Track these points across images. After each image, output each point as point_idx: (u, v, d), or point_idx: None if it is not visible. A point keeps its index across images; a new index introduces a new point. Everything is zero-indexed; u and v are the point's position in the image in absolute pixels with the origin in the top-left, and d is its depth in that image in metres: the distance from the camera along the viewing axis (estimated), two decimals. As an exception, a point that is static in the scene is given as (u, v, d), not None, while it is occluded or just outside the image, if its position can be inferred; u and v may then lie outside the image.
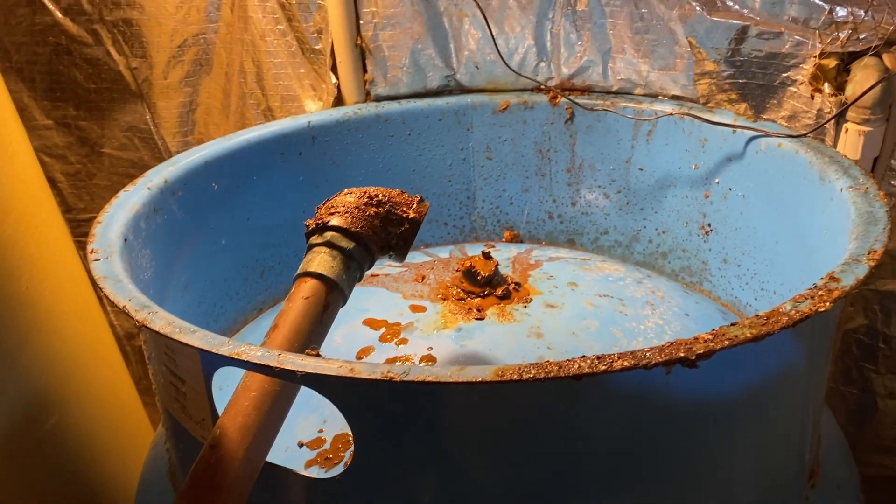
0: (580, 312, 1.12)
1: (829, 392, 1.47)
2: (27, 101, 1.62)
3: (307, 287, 0.84)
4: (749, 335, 0.68)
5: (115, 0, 1.52)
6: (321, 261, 0.85)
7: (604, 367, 0.65)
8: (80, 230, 1.71)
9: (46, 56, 1.58)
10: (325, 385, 0.71)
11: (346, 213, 0.88)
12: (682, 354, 0.66)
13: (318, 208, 0.91)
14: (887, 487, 1.54)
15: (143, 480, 1.13)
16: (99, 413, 1.34)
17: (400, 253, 0.91)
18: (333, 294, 0.85)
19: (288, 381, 0.74)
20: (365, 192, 0.91)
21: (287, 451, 0.94)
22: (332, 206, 0.90)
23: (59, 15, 1.54)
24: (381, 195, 0.90)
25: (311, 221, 0.90)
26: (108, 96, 1.63)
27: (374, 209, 0.89)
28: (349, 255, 0.87)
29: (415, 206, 0.91)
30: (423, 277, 1.24)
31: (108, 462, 1.36)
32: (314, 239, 0.88)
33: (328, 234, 0.88)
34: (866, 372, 1.45)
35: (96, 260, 0.92)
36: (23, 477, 1.20)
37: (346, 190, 0.92)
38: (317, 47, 1.48)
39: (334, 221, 0.88)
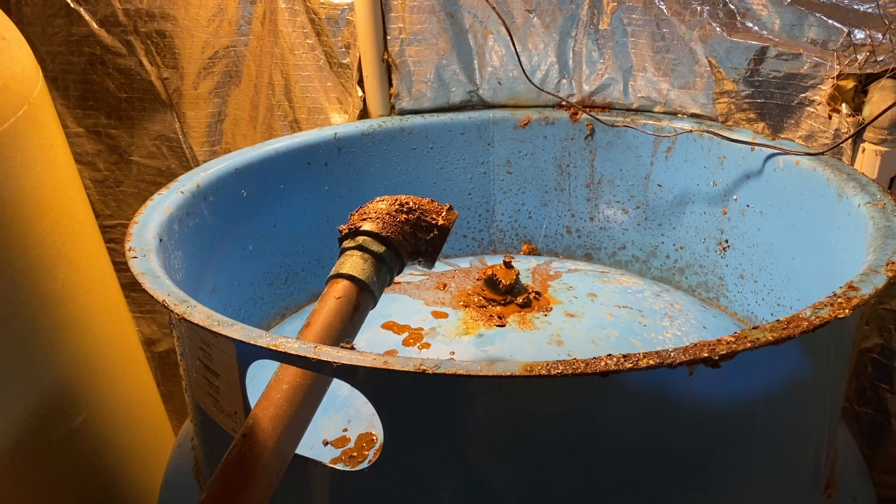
0: (600, 322, 1.14)
1: (844, 411, 1.48)
2: (60, 109, 1.67)
3: (339, 288, 0.87)
4: (770, 338, 0.70)
5: (149, 12, 1.57)
6: (353, 263, 0.88)
7: (630, 365, 0.67)
8: (106, 236, 1.75)
9: (81, 66, 1.63)
10: (358, 377, 0.73)
11: (378, 218, 0.91)
12: (705, 354, 0.68)
13: (351, 214, 0.95)
14: (902, 509, 1.54)
15: (167, 478, 1.15)
16: (125, 413, 1.36)
17: (429, 259, 0.94)
18: (364, 295, 0.87)
19: (321, 374, 0.76)
20: (396, 200, 0.94)
21: (312, 449, 0.96)
22: (365, 213, 0.93)
23: (94, 26, 1.59)
24: (411, 203, 0.93)
25: (344, 227, 0.93)
26: (139, 105, 1.67)
27: (404, 216, 0.92)
28: (380, 258, 0.90)
29: (444, 213, 0.94)
30: (445, 286, 1.26)
31: (131, 461, 1.38)
32: (347, 243, 0.92)
33: (360, 239, 0.91)
34: (881, 392, 1.45)
35: (134, 257, 0.95)
36: (51, 471, 1.23)
37: (378, 198, 0.96)
38: (344, 61, 1.52)
39: (366, 226, 0.91)
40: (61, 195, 1.18)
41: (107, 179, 1.77)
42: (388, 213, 0.92)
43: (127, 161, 1.74)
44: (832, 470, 1.03)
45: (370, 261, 0.89)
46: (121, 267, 1.73)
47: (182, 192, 1.18)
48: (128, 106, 1.68)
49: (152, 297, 0.86)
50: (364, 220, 0.92)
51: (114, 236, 1.79)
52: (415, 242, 0.94)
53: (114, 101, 1.67)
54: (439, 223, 0.94)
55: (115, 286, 1.43)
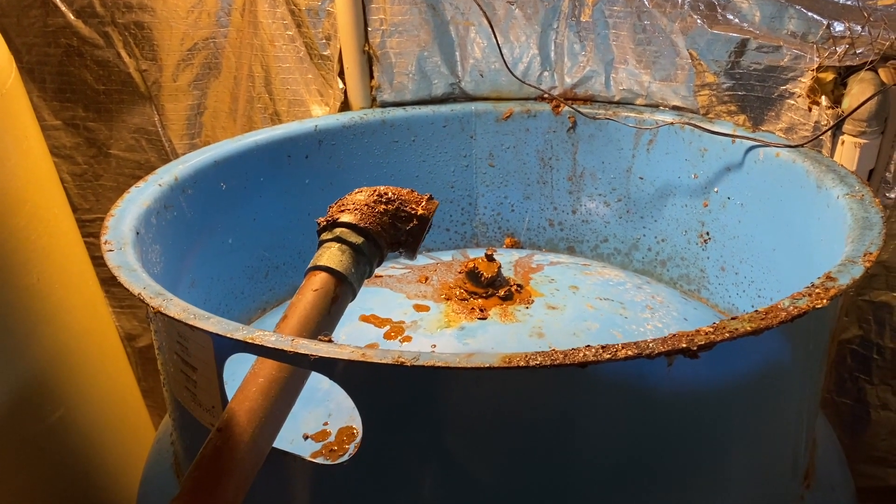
0: (581, 314, 1.14)
1: (824, 402, 1.49)
2: (37, 102, 1.64)
3: (317, 280, 0.86)
4: (749, 328, 0.70)
5: (127, 3, 1.55)
6: (330, 255, 0.88)
7: (608, 356, 0.67)
8: (85, 230, 1.73)
9: (58, 57, 1.61)
10: (336, 370, 0.72)
11: (356, 210, 0.90)
12: (683, 345, 0.68)
13: (330, 207, 0.94)
14: (880, 499, 1.55)
15: (146, 473, 1.14)
16: (104, 408, 1.35)
17: (410, 249, 0.93)
18: (342, 287, 0.87)
19: (299, 367, 0.76)
20: (375, 191, 0.93)
21: (293, 443, 0.95)
22: (343, 204, 0.92)
23: (71, 17, 1.57)
24: (390, 193, 0.93)
25: (322, 219, 0.92)
26: (118, 98, 1.65)
27: (383, 206, 0.91)
28: (358, 249, 0.89)
29: (424, 203, 0.93)
30: (427, 279, 1.26)
31: (110, 457, 1.37)
32: (325, 235, 0.91)
33: (338, 230, 0.90)
34: (860, 382, 1.47)
35: (110, 251, 0.94)
36: (26, 467, 1.21)
37: (357, 189, 0.95)
38: (325, 53, 1.50)
39: (344, 218, 0.90)
40: (36, 188, 1.16)
41: (85, 173, 1.74)
42: (366, 204, 0.92)
43: (105, 154, 1.72)
44: (811, 460, 1.04)
45: (348, 252, 0.88)
46: (99, 262, 1.70)
47: (160, 185, 1.17)
48: (106, 98, 1.65)
49: (129, 291, 0.85)
50: (342, 211, 0.91)
51: (92, 230, 1.77)
52: (395, 233, 0.93)
53: (91, 94, 1.65)
54: (419, 213, 0.93)
55: (94, 281, 1.42)
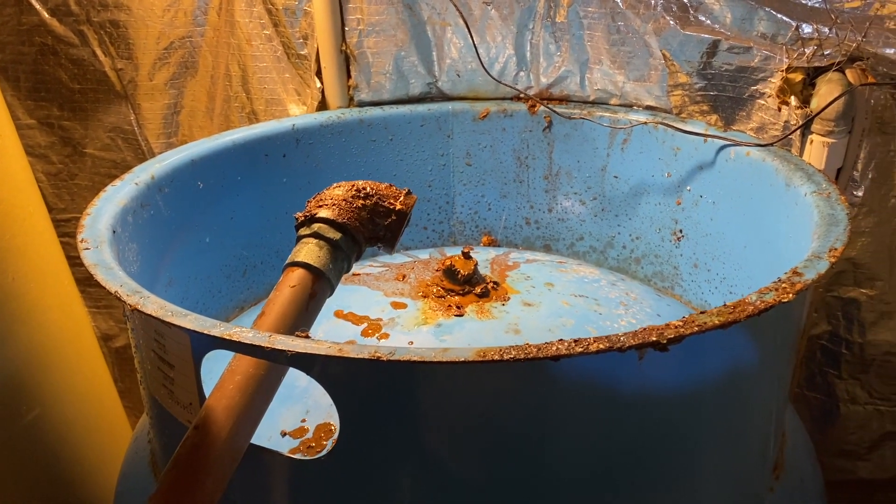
0: (556, 311, 1.15)
1: (795, 397, 1.52)
2: (10, 100, 1.63)
3: (294, 276, 0.87)
4: (717, 322, 0.72)
5: (102, 1, 1.54)
6: (308, 251, 0.88)
7: (580, 349, 0.68)
8: (60, 230, 1.72)
9: (32, 56, 1.60)
10: (314, 365, 0.73)
11: (334, 205, 0.91)
12: (653, 339, 0.70)
13: (308, 201, 0.94)
14: (849, 491, 1.59)
15: (123, 471, 1.14)
16: (80, 408, 1.35)
17: (388, 244, 0.94)
18: (320, 283, 0.87)
19: (276, 363, 0.76)
20: (353, 185, 0.94)
21: (270, 440, 0.96)
22: (321, 199, 0.93)
23: (45, 15, 1.56)
24: (368, 188, 0.94)
25: (300, 214, 0.93)
26: (93, 97, 1.64)
27: (361, 201, 0.92)
28: (336, 245, 0.90)
29: (402, 198, 0.94)
30: (404, 276, 1.27)
31: (86, 456, 1.36)
32: (303, 230, 0.91)
33: (316, 226, 0.90)
34: (830, 377, 1.50)
35: (87, 249, 0.94)
36: (2, 466, 1.21)
37: (335, 184, 0.95)
38: (302, 52, 1.51)
39: (322, 213, 0.91)
40: (11, 187, 1.15)
41: (60, 172, 1.73)
42: (344, 199, 0.92)
43: (81, 153, 1.71)
44: (781, 453, 1.06)
45: (326, 248, 0.89)
46: (75, 261, 1.70)
47: (136, 184, 1.17)
48: (81, 97, 1.64)
49: (105, 290, 0.85)
50: (320, 206, 0.92)
51: (68, 230, 1.75)
52: (373, 228, 0.94)
53: (66, 93, 1.64)
54: (397, 208, 0.94)
55: (70, 280, 1.41)
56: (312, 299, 0.86)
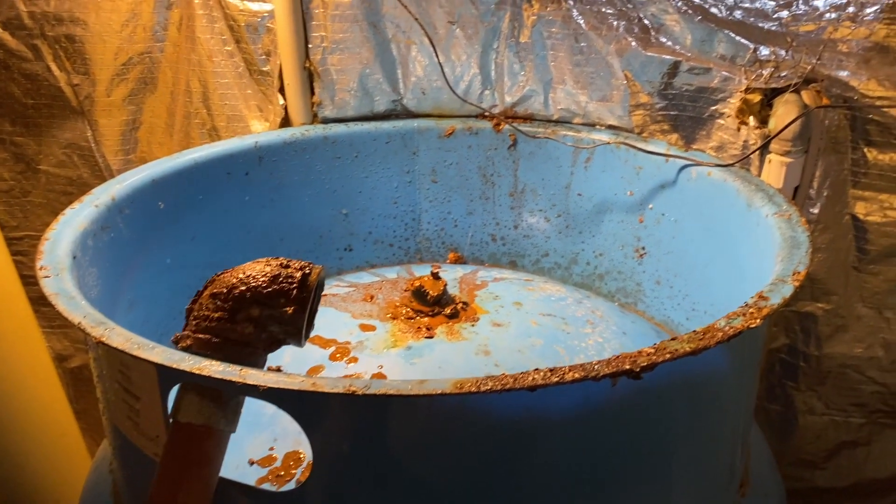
0: (525, 331, 1.16)
1: (755, 409, 1.55)
2: (-40, 116, 1.58)
3: (182, 437, 0.74)
4: (688, 349, 0.73)
5: (57, 16, 1.51)
6: (188, 403, 0.73)
7: (556, 379, 0.68)
8: (13, 248, 1.67)
9: (-18, 70, 1.55)
10: (287, 399, 0.72)
11: (208, 329, 0.76)
12: (627, 367, 0.70)
13: (197, 296, 0.81)
14: (807, 499, 1.63)
15: (84, 501, 1.11)
16: (35, 432, 1.30)
17: (296, 338, 0.79)
18: (213, 438, 0.74)
19: (249, 396, 0.75)
20: (230, 295, 0.77)
21: (238, 469, 0.94)
22: (197, 317, 0.77)
23: (-3, 29, 1.51)
24: (248, 293, 0.76)
25: (178, 335, 0.78)
26: (47, 112, 1.60)
27: (243, 314, 0.77)
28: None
29: (294, 294, 0.77)
30: (372, 297, 1.26)
31: (44, 484, 1.32)
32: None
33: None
34: (788, 389, 1.53)
35: (46, 277, 0.91)
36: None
37: (209, 289, 0.80)
38: (264, 69, 1.49)
39: (195, 347, 0.76)
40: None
41: (12, 189, 1.68)
42: (219, 320, 0.76)
43: (34, 170, 1.66)
44: (746, 469, 1.08)
45: (207, 395, 0.74)
46: (29, 280, 1.66)
47: (96, 206, 1.14)
48: (35, 113, 1.60)
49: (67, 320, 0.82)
50: (196, 330, 0.77)
51: (20, 249, 1.70)
52: (268, 337, 0.78)
53: (19, 108, 1.59)
54: (289, 312, 0.77)
55: (23, 300, 1.37)
56: (214, 456, 0.75)
